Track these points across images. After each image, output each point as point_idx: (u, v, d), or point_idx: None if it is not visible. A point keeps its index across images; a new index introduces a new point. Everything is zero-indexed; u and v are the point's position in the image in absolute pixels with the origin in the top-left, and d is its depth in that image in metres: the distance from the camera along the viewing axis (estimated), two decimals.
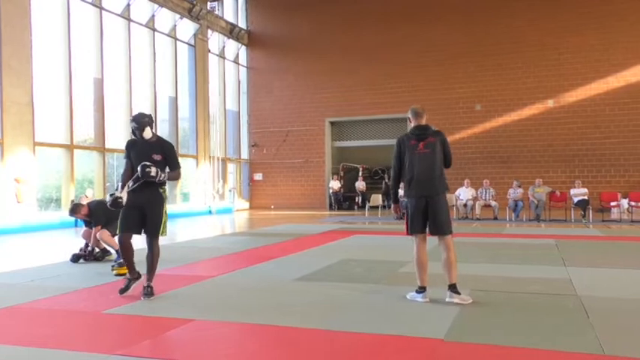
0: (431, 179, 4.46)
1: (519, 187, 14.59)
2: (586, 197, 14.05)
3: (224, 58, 21.31)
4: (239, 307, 4.45)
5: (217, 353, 3.31)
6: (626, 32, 17.91)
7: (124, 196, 4.66)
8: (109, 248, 7.00)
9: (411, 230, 4.54)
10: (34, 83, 12.97)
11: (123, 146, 16.50)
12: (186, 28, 19.02)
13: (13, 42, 12.47)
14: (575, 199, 14.08)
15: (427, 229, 4.55)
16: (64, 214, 13.51)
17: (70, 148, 14.12)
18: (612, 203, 14.70)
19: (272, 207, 21.49)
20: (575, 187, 14.38)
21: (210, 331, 3.77)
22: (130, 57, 16.21)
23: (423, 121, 4.65)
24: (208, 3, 19.84)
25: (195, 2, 18.89)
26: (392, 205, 5.02)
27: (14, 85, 12.45)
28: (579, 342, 3.38)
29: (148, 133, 4.82)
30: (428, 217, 4.48)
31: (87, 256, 7.01)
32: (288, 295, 4.89)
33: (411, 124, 4.71)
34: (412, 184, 4.51)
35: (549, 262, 6.71)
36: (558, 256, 7.23)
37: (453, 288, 4.39)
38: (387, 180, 20.59)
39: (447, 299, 4.35)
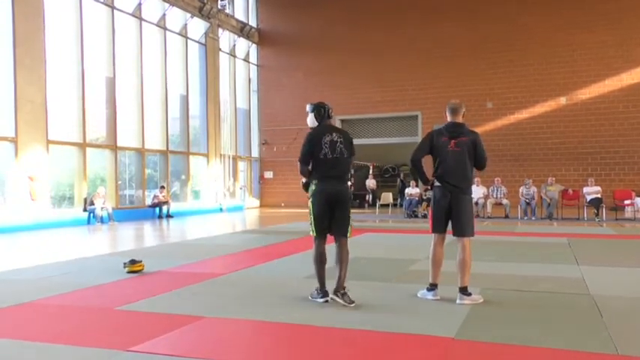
0: (457, 178, 4.40)
1: (532, 184, 14.52)
2: (599, 195, 13.90)
3: (234, 56, 21.36)
4: (250, 304, 4.46)
5: (229, 350, 3.32)
6: (639, 29, 17.70)
7: None
8: None
9: (435, 230, 4.51)
10: (47, 82, 13.09)
11: (134, 144, 16.48)
12: (197, 27, 19.09)
13: (26, 41, 12.59)
14: (588, 198, 13.94)
15: (449, 228, 4.51)
16: (77, 211, 13.66)
17: (82, 146, 14.23)
18: (626, 201, 14.56)
19: (282, 205, 21.52)
20: (588, 185, 14.24)
21: (222, 328, 3.79)
22: (141, 56, 16.30)
23: (459, 118, 4.48)
24: (219, 2, 19.89)
25: (205, 1, 18.94)
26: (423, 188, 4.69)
27: (28, 84, 12.58)
28: (592, 341, 3.35)
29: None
30: (451, 217, 4.44)
31: None
32: (299, 292, 4.89)
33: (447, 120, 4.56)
34: (440, 180, 4.45)
35: (562, 260, 6.66)
36: (571, 254, 7.16)
37: (463, 291, 4.35)
38: (401, 177, 20.58)
39: (458, 301, 4.32)
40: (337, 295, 4.34)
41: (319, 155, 4.38)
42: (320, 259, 4.46)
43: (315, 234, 4.45)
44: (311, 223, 4.46)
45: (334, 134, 4.46)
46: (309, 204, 4.46)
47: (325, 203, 4.38)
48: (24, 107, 12.46)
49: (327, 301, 4.38)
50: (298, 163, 4.50)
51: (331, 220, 4.42)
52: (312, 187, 4.45)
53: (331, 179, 4.40)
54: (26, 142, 12.50)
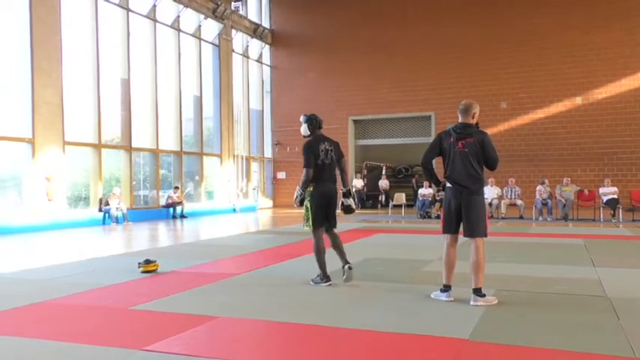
0: (466, 179, 4.39)
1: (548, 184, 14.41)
2: (616, 196, 13.72)
3: (248, 57, 21.45)
4: (262, 304, 4.48)
5: (240, 350, 3.33)
6: None
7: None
8: None
9: (446, 231, 4.51)
10: (63, 84, 13.26)
11: (148, 145, 16.62)
12: (211, 28, 19.19)
13: (44, 44, 12.77)
14: (605, 198, 13.77)
15: (461, 229, 4.50)
16: (92, 211, 13.82)
17: (98, 147, 14.39)
18: None
19: (295, 205, 21.54)
20: (604, 186, 14.06)
21: (235, 328, 3.81)
22: (155, 57, 16.44)
23: (469, 119, 4.47)
24: (232, 3, 19.98)
25: (219, 2, 19.04)
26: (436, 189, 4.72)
27: (45, 86, 12.75)
28: (609, 344, 3.30)
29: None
30: (461, 217, 4.43)
31: None
32: (311, 293, 4.91)
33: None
34: (450, 181, 4.46)
35: (577, 262, 6.58)
36: (587, 256, 7.07)
37: (477, 292, 4.32)
38: (415, 178, 20.54)
39: (472, 303, 4.29)
40: (348, 267, 5.16)
41: (317, 161, 5.10)
42: (322, 249, 5.20)
43: (313, 227, 5.17)
44: (308, 219, 5.19)
45: (326, 143, 5.22)
46: (307, 203, 5.18)
47: (323, 201, 5.17)
48: (41, 109, 12.63)
49: (330, 284, 5.10)
50: (305, 169, 5.09)
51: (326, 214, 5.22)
52: (310, 189, 5.16)
53: (326, 181, 5.18)
54: (43, 143, 12.67)
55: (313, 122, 5.27)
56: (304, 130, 5.29)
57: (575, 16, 18.28)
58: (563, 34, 18.35)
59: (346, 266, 5.16)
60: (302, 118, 5.34)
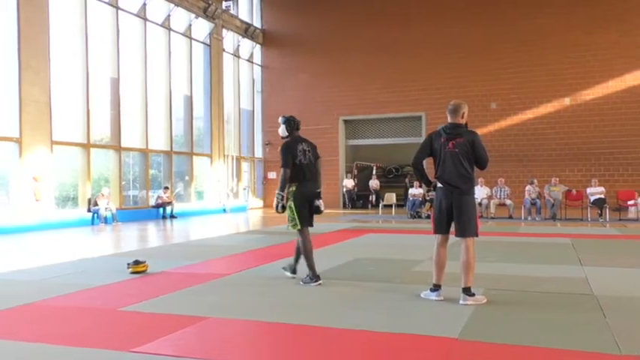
0: (457, 179, 4.42)
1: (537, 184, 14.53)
2: (603, 196, 13.88)
3: (239, 57, 21.39)
4: (253, 304, 4.48)
5: (231, 351, 3.33)
6: None
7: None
8: None
9: (437, 231, 4.54)
10: (51, 82, 13.14)
11: (138, 145, 16.50)
12: (202, 28, 19.11)
13: (31, 41, 12.65)
14: (592, 198, 13.92)
15: (452, 229, 4.53)
16: (81, 211, 13.71)
17: (86, 146, 14.27)
18: (629, 202, 14.50)
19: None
20: (591, 186, 14.21)
21: (225, 328, 3.80)
22: (145, 56, 16.34)
23: (459, 119, 4.50)
24: (223, 2, 19.92)
25: (210, 2, 18.97)
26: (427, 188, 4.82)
27: (33, 84, 12.63)
28: (596, 342, 3.35)
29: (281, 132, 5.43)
30: (452, 217, 4.46)
31: None
32: (301, 293, 4.91)
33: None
34: (441, 181, 4.49)
35: (565, 261, 6.65)
36: (574, 255, 7.15)
37: (467, 291, 4.35)
38: (409, 177, 20.62)
39: (461, 302, 4.32)
40: (292, 272, 5.50)
41: (295, 161, 5.19)
42: (309, 249, 5.27)
43: (300, 227, 5.23)
44: (293, 219, 5.25)
45: (304, 144, 5.35)
46: (290, 203, 5.22)
47: (305, 200, 5.25)
48: (28, 107, 12.51)
49: (320, 284, 5.15)
50: (282, 169, 5.16)
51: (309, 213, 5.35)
52: (292, 189, 5.23)
53: (307, 181, 5.27)
54: (30, 143, 12.55)
55: (291, 123, 5.37)
56: (282, 131, 5.39)
57: (578, 16, 18.36)
58: (565, 34, 18.41)
59: (289, 273, 5.49)
60: (280, 120, 5.44)
